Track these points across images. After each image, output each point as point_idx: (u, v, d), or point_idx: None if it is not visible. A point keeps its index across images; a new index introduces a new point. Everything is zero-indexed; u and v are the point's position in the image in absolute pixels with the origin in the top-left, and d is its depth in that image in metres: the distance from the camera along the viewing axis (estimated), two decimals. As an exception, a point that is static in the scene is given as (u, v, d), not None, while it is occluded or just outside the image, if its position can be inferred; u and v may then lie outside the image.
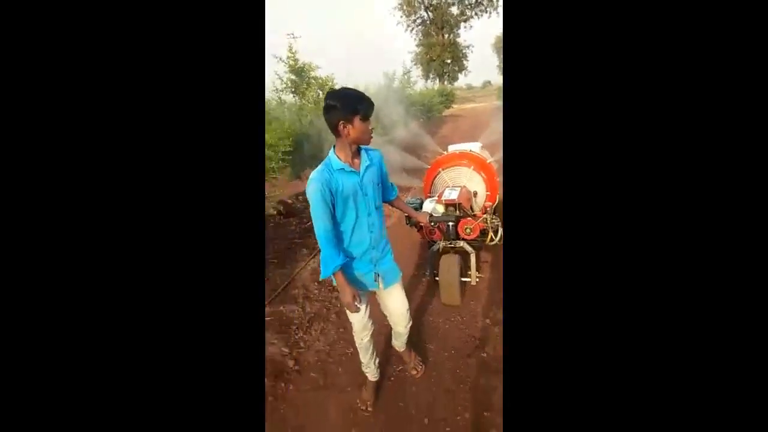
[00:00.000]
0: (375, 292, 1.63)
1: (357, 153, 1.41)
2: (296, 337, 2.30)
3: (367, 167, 1.42)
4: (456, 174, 2.75)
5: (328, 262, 1.36)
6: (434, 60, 27.95)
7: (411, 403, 1.76)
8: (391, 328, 1.80)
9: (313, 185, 1.32)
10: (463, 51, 28.72)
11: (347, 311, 1.53)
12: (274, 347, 2.19)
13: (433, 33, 28.63)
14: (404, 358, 1.95)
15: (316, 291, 2.80)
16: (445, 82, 26.96)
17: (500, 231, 2.42)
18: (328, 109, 1.29)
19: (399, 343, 1.86)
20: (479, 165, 2.73)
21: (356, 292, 1.44)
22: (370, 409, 1.75)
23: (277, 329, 2.35)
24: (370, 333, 1.66)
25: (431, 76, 28.08)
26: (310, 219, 4.23)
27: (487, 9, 24.98)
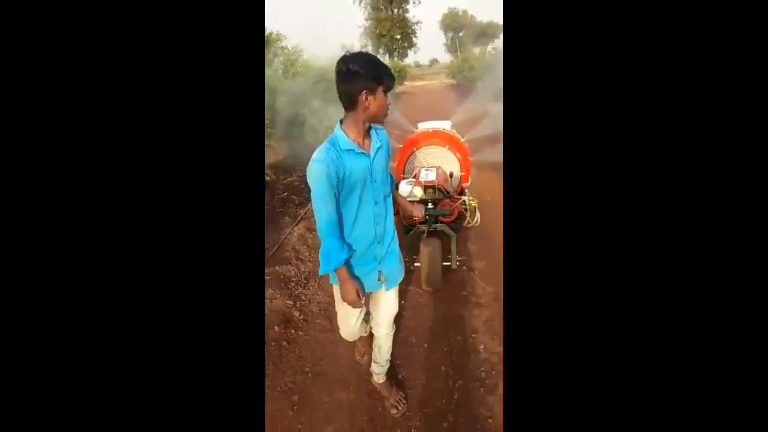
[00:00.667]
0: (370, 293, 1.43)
1: (367, 132, 1.23)
2: (296, 292, 2.49)
3: (378, 149, 1.25)
4: (431, 154, 2.65)
5: (330, 256, 1.20)
6: (384, 35, 27.68)
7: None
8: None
9: (317, 166, 1.13)
10: (412, 27, 28.73)
11: (339, 308, 1.46)
12: (278, 300, 2.37)
13: (382, 7, 28.20)
14: (383, 392, 1.66)
15: (306, 253, 2.98)
16: (395, 59, 26.93)
17: (477, 213, 2.39)
18: (347, 76, 1.10)
19: (379, 370, 1.63)
20: (454, 145, 2.66)
21: (359, 287, 1.28)
22: (364, 358, 1.82)
23: (278, 286, 2.52)
24: (355, 323, 1.54)
25: (381, 51, 27.84)
26: (285, 190, 4.33)
27: (436, -15, 25.03)
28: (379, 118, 1.19)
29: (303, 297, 2.44)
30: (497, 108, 5.21)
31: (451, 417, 1.58)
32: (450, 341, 1.98)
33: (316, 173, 1.13)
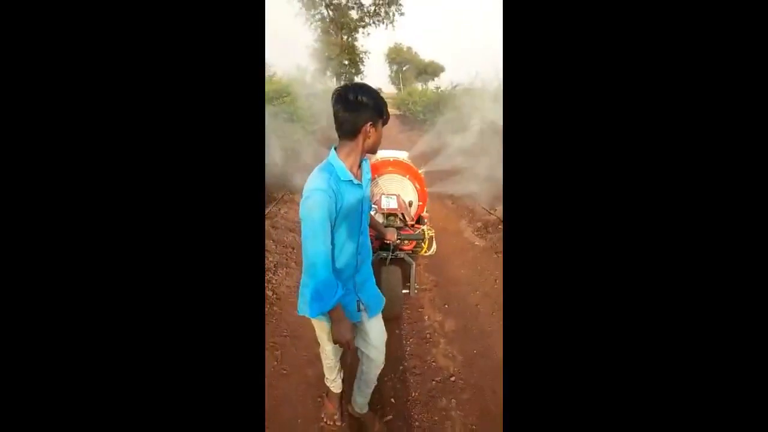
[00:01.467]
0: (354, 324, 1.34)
1: (360, 162, 1.21)
2: (267, 276, 2.82)
3: (368, 180, 1.24)
4: (390, 182, 2.69)
5: (324, 294, 1.12)
6: (332, 59, 28.58)
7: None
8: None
9: (321, 197, 1.06)
10: (360, 56, 30.13)
11: (325, 345, 1.44)
12: (252, 283, 2.68)
13: (332, 32, 29.23)
14: (367, 421, 1.61)
15: (273, 246, 3.31)
16: (342, 83, 27.77)
17: (434, 243, 2.41)
18: (356, 107, 1.08)
19: (362, 401, 1.58)
20: (413, 175, 2.74)
21: (353, 326, 1.27)
22: (338, 423, 1.63)
23: (251, 271, 2.82)
24: (340, 353, 1.57)
25: (329, 74, 28.62)
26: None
27: (384, 21, 26.78)
28: (374, 148, 1.19)
29: (274, 281, 2.79)
30: (450, 143, 5.87)
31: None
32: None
33: (318, 204, 1.06)
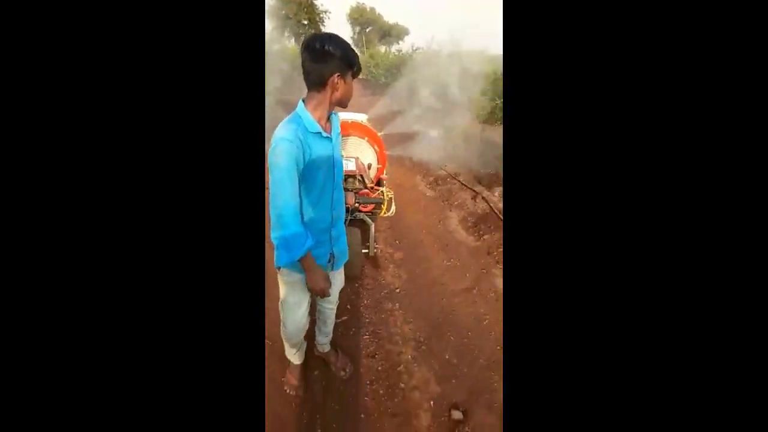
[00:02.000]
0: None
1: (329, 116, 1.21)
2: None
3: (338, 134, 1.24)
4: (350, 144, 2.69)
5: (293, 244, 1.12)
6: (290, 18, 27.12)
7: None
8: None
9: (286, 146, 1.06)
10: (320, 15, 28.77)
11: (288, 297, 1.40)
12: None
13: (290, -11, 27.54)
14: (330, 359, 1.78)
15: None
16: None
17: (393, 205, 2.42)
18: (322, 57, 1.07)
19: (325, 340, 1.72)
20: (373, 137, 2.72)
21: (326, 273, 1.28)
22: (301, 393, 1.66)
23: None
24: (305, 332, 1.56)
25: (286, 34, 27.25)
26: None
27: (345, -22, 25.52)
28: (345, 102, 1.17)
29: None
30: (409, 108, 6.00)
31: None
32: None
33: (284, 153, 1.06)
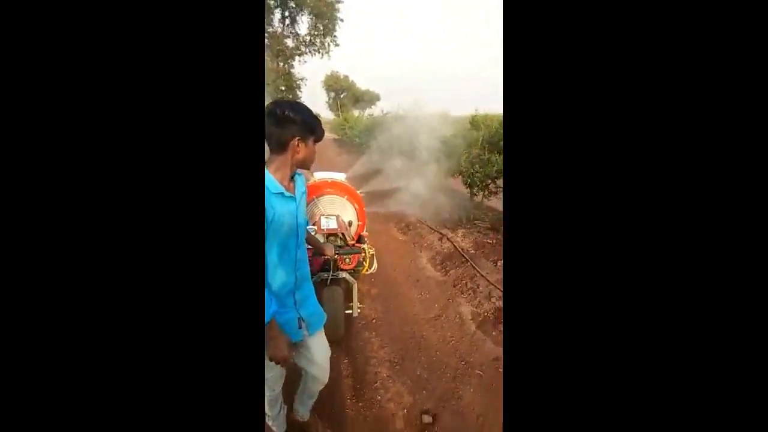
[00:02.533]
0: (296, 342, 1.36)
1: (292, 177, 1.24)
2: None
3: (302, 193, 1.27)
4: (330, 202, 2.73)
5: None
6: (269, 85, 28.96)
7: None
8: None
9: None
10: (297, 83, 30.91)
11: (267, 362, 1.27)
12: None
13: (268, 59, 29.73)
14: (310, 428, 1.68)
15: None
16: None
17: (375, 261, 2.47)
18: (281, 122, 1.12)
19: (304, 409, 1.63)
20: (352, 195, 2.78)
21: (289, 339, 1.26)
22: None
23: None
24: (283, 381, 1.48)
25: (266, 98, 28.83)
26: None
27: (320, 50, 27.97)
28: (307, 164, 1.22)
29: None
30: (387, 167, 6.44)
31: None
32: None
33: None
